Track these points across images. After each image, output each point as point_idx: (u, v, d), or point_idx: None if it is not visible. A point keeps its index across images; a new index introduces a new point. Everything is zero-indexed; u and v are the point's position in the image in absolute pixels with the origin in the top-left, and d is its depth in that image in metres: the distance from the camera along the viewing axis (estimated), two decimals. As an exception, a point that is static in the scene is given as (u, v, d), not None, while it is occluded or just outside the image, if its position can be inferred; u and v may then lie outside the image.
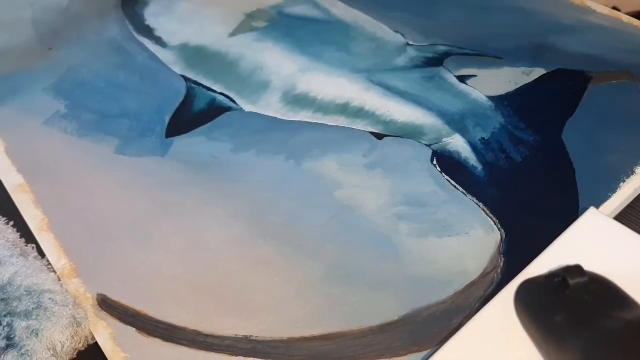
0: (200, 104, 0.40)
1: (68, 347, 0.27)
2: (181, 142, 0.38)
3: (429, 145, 0.36)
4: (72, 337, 0.28)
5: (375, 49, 0.42)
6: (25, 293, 0.28)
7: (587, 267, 0.24)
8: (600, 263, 0.25)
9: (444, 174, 0.34)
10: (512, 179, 0.33)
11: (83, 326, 0.28)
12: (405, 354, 0.27)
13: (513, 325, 0.25)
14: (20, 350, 0.26)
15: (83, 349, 0.28)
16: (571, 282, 0.24)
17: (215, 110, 0.40)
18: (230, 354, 0.28)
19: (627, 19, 0.42)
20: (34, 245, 0.33)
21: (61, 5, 0.51)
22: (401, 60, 0.41)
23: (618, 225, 0.28)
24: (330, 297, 0.29)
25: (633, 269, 0.26)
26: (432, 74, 0.40)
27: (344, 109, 0.38)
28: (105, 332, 0.29)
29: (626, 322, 0.22)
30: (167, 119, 0.40)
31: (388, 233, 0.32)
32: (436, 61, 0.41)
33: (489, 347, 0.25)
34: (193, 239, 0.33)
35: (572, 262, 0.25)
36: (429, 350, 0.27)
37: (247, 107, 0.40)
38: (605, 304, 0.23)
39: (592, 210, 0.29)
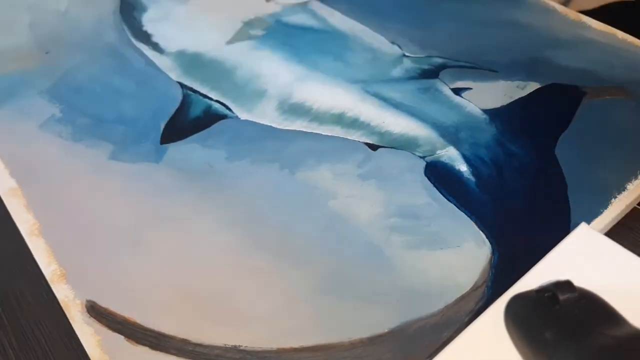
0: (195, 111, 0.40)
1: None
2: (176, 149, 0.38)
3: (422, 157, 0.36)
4: None
5: (372, 60, 0.43)
6: None
7: (577, 282, 0.24)
8: (590, 279, 0.25)
9: (437, 186, 0.34)
10: (505, 192, 0.33)
11: None
12: (395, 367, 0.27)
13: (502, 340, 0.25)
14: None
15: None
16: (561, 297, 0.24)
17: (210, 118, 0.40)
18: (218, 364, 0.28)
19: (621, 35, 0.42)
20: None
21: (59, 9, 0.51)
22: (397, 72, 0.41)
23: (609, 242, 0.28)
24: (321, 308, 0.29)
25: (623, 285, 0.26)
26: (427, 85, 0.40)
27: (339, 119, 0.39)
28: (93, 339, 0.29)
29: (614, 339, 0.22)
30: (162, 125, 0.40)
31: (380, 244, 0.31)
32: (432, 73, 0.41)
33: None
34: (185, 247, 0.32)
35: (562, 277, 0.25)
36: (418, 364, 0.27)
37: (243, 115, 0.40)
38: (595, 320, 0.23)
39: (582, 225, 0.29)
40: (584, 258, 0.27)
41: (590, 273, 0.26)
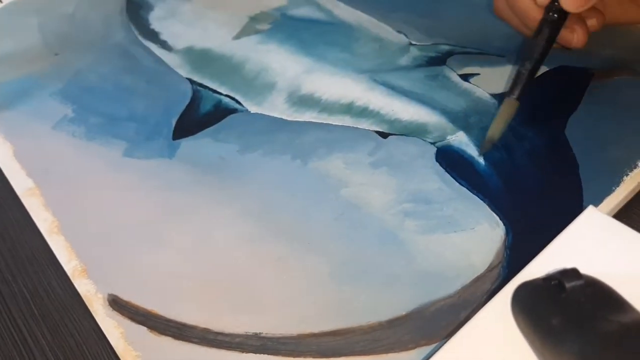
0: (206, 106, 0.41)
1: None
2: (188, 144, 0.38)
3: (433, 143, 0.36)
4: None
5: (379, 49, 0.43)
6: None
7: (586, 268, 0.24)
8: (598, 264, 0.25)
9: (448, 171, 0.34)
10: (516, 174, 0.33)
11: None
12: (414, 348, 0.27)
13: (510, 328, 0.25)
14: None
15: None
16: (567, 285, 0.24)
17: (221, 112, 0.40)
18: (240, 351, 0.28)
19: (627, 15, 0.42)
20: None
21: (67, 11, 0.51)
22: (404, 60, 0.42)
23: (617, 224, 0.27)
24: (338, 294, 0.30)
25: (632, 270, 0.26)
26: (435, 72, 0.40)
27: (349, 109, 0.39)
28: (117, 332, 0.29)
29: (621, 325, 0.22)
30: (174, 122, 0.40)
31: (395, 230, 0.32)
32: (439, 60, 0.41)
33: (486, 350, 0.25)
34: (202, 238, 0.33)
35: (569, 263, 0.25)
36: (437, 343, 0.27)
37: (253, 109, 0.40)
38: (601, 307, 0.23)
39: (590, 208, 0.28)
40: (592, 242, 0.27)
41: (599, 258, 0.26)
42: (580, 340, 0.22)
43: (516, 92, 0.33)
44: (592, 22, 0.36)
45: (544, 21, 0.34)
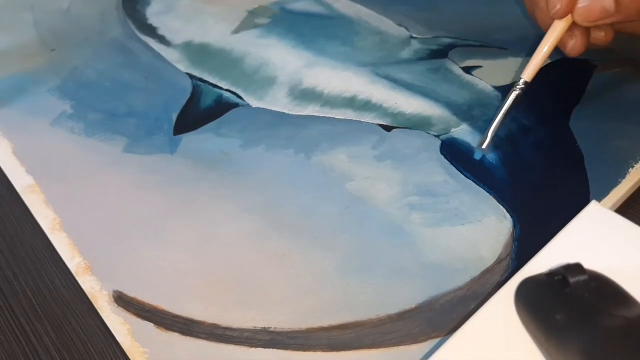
0: (206, 101, 0.41)
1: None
2: (189, 139, 0.38)
3: (437, 136, 0.36)
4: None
5: (380, 43, 0.43)
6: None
7: (589, 263, 0.24)
8: (602, 258, 0.25)
9: (453, 163, 0.34)
10: (521, 166, 0.33)
11: None
12: (425, 340, 0.27)
13: (513, 323, 0.25)
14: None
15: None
16: (571, 280, 0.24)
17: (222, 107, 0.40)
18: (249, 346, 0.28)
19: (627, 7, 0.42)
20: (47, 244, 0.33)
21: (62, 6, 0.51)
22: (406, 53, 0.42)
23: (620, 219, 0.27)
24: (346, 287, 0.30)
25: (636, 264, 0.25)
26: (437, 65, 0.40)
27: (351, 102, 0.39)
28: (123, 328, 0.29)
29: (626, 320, 0.22)
30: (174, 117, 0.40)
31: (401, 223, 0.32)
32: (441, 53, 0.41)
33: (489, 346, 0.24)
34: (206, 234, 0.33)
35: (573, 258, 0.24)
36: (448, 335, 0.27)
37: (254, 103, 0.40)
38: (606, 302, 0.23)
39: (593, 203, 0.28)
40: (595, 237, 0.27)
41: (602, 253, 0.26)
42: (585, 335, 0.22)
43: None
44: (598, 36, 0.33)
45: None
